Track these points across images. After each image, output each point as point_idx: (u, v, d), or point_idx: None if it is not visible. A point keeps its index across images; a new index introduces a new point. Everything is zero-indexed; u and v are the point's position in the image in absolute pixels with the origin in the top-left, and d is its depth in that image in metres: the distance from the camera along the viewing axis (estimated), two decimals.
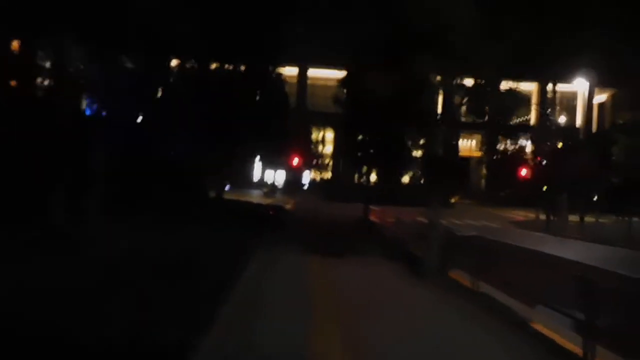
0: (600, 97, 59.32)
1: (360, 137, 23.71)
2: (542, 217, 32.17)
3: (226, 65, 24.28)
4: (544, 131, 48.51)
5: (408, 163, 23.08)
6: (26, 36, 14.51)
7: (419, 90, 14.80)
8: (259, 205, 28.24)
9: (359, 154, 24.29)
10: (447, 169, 14.35)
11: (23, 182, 12.83)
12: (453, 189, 48.68)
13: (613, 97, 58.81)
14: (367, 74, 16.38)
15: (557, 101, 61.07)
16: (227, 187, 46.28)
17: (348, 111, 22.51)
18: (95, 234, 12.00)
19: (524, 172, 42.79)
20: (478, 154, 56.09)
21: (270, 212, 23.27)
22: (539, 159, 44.51)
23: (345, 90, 22.99)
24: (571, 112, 59.35)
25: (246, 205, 26.35)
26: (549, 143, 49.81)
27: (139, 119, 22.82)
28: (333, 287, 10.27)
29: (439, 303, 9.44)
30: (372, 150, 22.77)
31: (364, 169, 26.51)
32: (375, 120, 20.47)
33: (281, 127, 29.21)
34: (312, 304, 8.58)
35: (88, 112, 19.35)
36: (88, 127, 13.92)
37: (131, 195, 16.71)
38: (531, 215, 34.90)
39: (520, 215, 37.69)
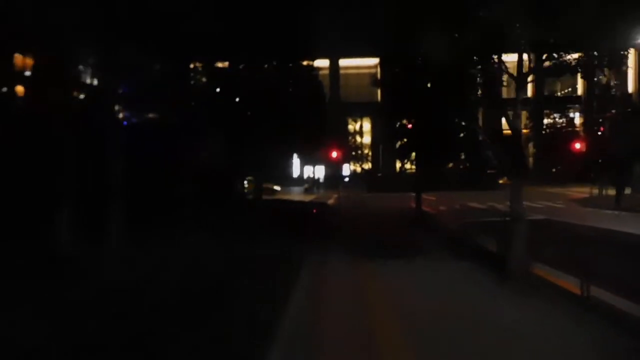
0: None
1: (404, 121, 21.39)
2: (608, 192, 29.09)
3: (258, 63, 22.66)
4: (597, 101, 44.96)
5: (459, 146, 20.74)
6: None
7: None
8: (300, 203, 26.14)
9: (404, 139, 21.92)
10: (516, 148, 11.87)
11: (32, 197, 11.05)
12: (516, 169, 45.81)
13: None
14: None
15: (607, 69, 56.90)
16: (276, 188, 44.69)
17: (390, 95, 20.18)
18: (106, 256, 10.06)
19: (578, 145, 39.41)
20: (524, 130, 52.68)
21: (314, 211, 21.11)
22: (599, 129, 41.07)
23: (383, 72, 20.64)
24: (621, 77, 55.03)
25: (287, 204, 24.27)
26: (602, 113, 46.16)
27: (167, 123, 21.33)
28: (403, 304, 8.01)
29: (550, 321, 7.01)
30: (418, 135, 20.40)
31: (411, 155, 24.00)
32: (423, 101, 18.47)
33: (317, 121, 27.51)
34: (381, 336, 6.35)
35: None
36: (103, 135, 12.00)
37: (159, 205, 14.83)
38: (593, 190, 31.69)
39: (580, 192, 34.45)
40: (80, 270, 8.93)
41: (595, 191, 31.13)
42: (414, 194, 34.22)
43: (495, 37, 9.81)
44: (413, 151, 22.37)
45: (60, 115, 10.45)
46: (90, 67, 11.92)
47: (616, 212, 21.94)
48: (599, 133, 43.70)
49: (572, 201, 28.35)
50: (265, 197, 24.97)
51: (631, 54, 42.97)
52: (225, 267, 9.45)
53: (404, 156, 24.85)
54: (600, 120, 46.26)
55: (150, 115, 23.11)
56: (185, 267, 9.38)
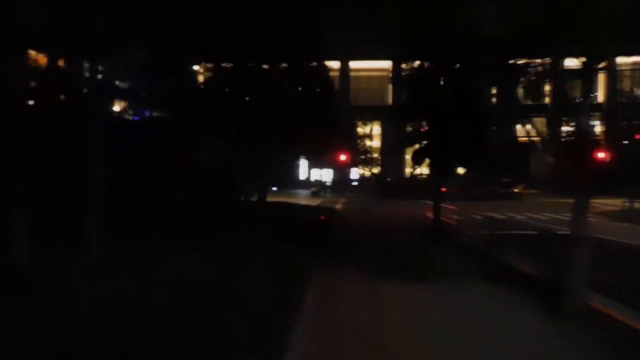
0: None
1: (422, 123, 19.52)
2: (636, 205, 26.98)
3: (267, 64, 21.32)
4: (622, 108, 42.77)
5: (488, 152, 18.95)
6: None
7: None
8: (306, 208, 24.12)
9: (422, 143, 19.95)
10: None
11: None
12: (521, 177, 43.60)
13: None
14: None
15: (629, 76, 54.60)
16: (273, 189, 42.75)
17: (411, 94, 18.31)
18: (68, 272, 8.12)
19: (601, 155, 37.20)
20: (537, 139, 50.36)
21: (322, 218, 19.09)
22: (624, 138, 38.83)
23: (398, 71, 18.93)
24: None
25: (292, 208, 22.26)
26: (625, 122, 43.94)
27: (163, 122, 19.75)
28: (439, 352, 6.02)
29: None
30: (437, 140, 18.50)
31: (426, 160, 21.98)
32: (444, 104, 16.78)
33: (327, 122, 25.88)
34: None
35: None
36: (82, 131, 10.11)
37: (148, 210, 12.93)
38: (618, 203, 29.53)
39: (605, 204, 32.22)
40: (23, 291, 7.00)
41: (626, 204, 28.96)
42: (425, 201, 32.38)
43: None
44: (430, 155, 20.36)
45: (20, 99, 8.56)
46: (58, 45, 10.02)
47: None
48: (625, 142, 41.57)
49: (600, 214, 26.16)
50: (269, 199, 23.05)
51: None
52: (207, 293, 7.49)
53: (419, 161, 22.88)
54: (626, 128, 44.07)
55: (149, 115, 21.65)
56: (161, 288, 7.43)
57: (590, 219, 22.02)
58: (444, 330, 6.76)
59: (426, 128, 19.48)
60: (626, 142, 41.16)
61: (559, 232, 17.97)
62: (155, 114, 20.27)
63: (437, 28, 16.78)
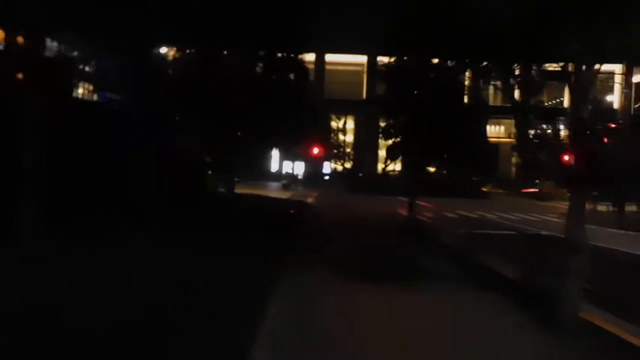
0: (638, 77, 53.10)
1: (399, 118, 18.88)
2: (600, 208, 26.84)
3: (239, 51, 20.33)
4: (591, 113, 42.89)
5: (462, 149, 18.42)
6: None
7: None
8: (276, 200, 23.12)
9: (397, 138, 19.24)
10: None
11: None
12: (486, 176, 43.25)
13: None
14: None
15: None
16: (237, 180, 41.55)
17: (391, 87, 17.59)
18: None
19: (566, 158, 37.26)
20: (505, 140, 50.30)
21: (291, 211, 18.10)
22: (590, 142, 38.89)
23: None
24: (607, 93, 53.14)
25: (261, 201, 21.23)
26: (591, 126, 44.05)
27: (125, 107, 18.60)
28: None
29: None
30: (414, 135, 17.86)
31: (400, 156, 21.21)
32: (424, 98, 16.20)
33: (300, 115, 24.95)
34: None
35: None
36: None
37: (106, 201, 11.75)
38: (589, 206, 29.29)
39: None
40: None
41: (591, 206, 28.79)
42: (397, 197, 31.73)
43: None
44: (406, 150, 19.60)
45: None
46: None
47: (630, 233, 19.48)
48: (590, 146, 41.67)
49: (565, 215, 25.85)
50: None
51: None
52: (156, 294, 6.45)
53: (394, 155, 22.13)
54: (589, 132, 44.22)
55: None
56: (86, 296, 6.33)
57: (559, 220, 21.64)
58: (433, 337, 5.92)
59: (402, 123, 18.80)
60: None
61: (536, 233, 17.48)
62: (117, 97, 19.03)
63: (422, 21, 16.36)
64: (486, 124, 20.18)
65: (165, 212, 12.92)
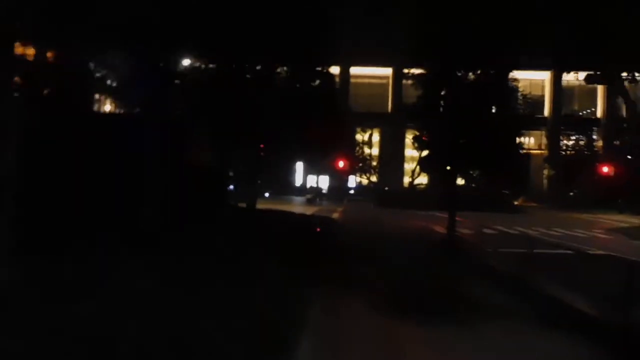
0: None
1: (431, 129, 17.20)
2: None
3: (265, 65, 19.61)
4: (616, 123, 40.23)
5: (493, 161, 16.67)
6: None
7: None
8: (301, 217, 21.32)
9: (431, 149, 17.48)
10: None
11: None
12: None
13: None
14: None
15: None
16: (266, 195, 39.94)
17: (424, 96, 15.96)
18: None
19: (605, 169, 34.76)
20: (535, 151, 47.77)
21: (317, 230, 16.27)
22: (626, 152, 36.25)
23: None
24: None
25: (283, 217, 19.45)
26: (627, 138, 41.40)
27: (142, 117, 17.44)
28: None
29: None
30: (450, 145, 16.14)
31: (435, 168, 19.31)
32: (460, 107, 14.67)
33: (324, 129, 23.59)
34: None
35: None
36: None
37: (112, 218, 10.18)
38: (633, 220, 26.88)
39: (613, 219, 29.60)
40: None
41: (635, 220, 26.35)
42: (427, 212, 29.67)
43: None
44: (440, 162, 17.69)
45: None
46: None
47: None
48: (629, 157, 39.04)
49: (613, 231, 23.47)
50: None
51: None
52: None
53: (427, 168, 20.23)
54: (622, 143, 41.62)
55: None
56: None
57: (604, 235, 19.34)
58: None
59: (435, 132, 17.03)
60: (630, 157, 38.72)
61: (592, 253, 15.34)
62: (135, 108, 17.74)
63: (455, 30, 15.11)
64: (520, 134, 18.18)
65: (176, 229, 11.26)
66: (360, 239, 16.30)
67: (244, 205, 19.67)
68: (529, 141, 51.05)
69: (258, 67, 20.22)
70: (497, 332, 6.60)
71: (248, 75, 20.04)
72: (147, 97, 17.64)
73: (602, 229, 24.51)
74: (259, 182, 37.32)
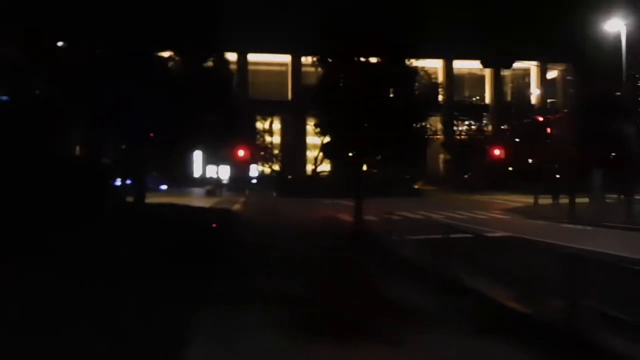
0: (552, 74, 53.38)
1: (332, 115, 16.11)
2: (544, 201, 25.04)
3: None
4: (518, 109, 41.86)
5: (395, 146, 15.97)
6: None
7: None
8: (198, 210, 19.21)
9: (334, 135, 16.37)
10: None
11: None
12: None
13: (563, 73, 52.99)
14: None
15: (510, 79, 54.87)
16: (163, 187, 36.89)
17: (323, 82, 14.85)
18: None
19: (497, 152, 35.76)
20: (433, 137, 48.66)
21: (213, 225, 14.27)
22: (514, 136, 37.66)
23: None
24: (523, 90, 53.02)
25: (176, 212, 17.28)
26: (514, 122, 43.24)
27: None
28: None
29: None
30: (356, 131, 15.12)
31: (335, 155, 18.10)
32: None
33: (222, 117, 22.01)
34: None
35: None
36: None
37: None
38: (527, 200, 27.59)
39: (509, 200, 30.37)
40: None
41: (526, 200, 27.02)
42: (331, 200, 28.55)
43: None
44: (344, 147, 16.50)
45: None
46: None
47: (579, 227, 17.33)
48: (517, 140, 40.69)
49: (510, 211, 23.77)
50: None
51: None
52: None
53: (330, 154, 18.94)
54: (511, 127, 43.52)
55: None
56: None
57: (503, 216, 19.27)
58: None
59: (337, 117, 15.82)
60: (517, 140, 40.43)
61: (497, 236, 14.85)
62: None
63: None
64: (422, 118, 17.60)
65: (33, 239, 8.89)
66: (262, 233, 14.59)
67: (131, 200, 17.23)
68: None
69: (142, 52, 17.95)
70: (421, 340, 5.27)
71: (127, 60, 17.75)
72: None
73: (500, 209, 24.80)
74: (154, 174, 34.47)
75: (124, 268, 7.71)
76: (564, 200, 23.38)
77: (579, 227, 17.29)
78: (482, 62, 27.75)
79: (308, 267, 9.27)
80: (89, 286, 6.84)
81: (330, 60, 15.63)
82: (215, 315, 5.99)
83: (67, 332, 5.17)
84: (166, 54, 18.13)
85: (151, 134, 18.86)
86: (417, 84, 17.01)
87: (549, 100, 51.95)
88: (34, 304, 6.07)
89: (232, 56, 45.06)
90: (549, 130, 32.92)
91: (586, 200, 21.73)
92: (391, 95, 16.33)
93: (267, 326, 5.65)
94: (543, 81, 50.60)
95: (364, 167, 22.72)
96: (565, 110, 35.63)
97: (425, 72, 17.79)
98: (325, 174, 40.66)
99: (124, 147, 19.21)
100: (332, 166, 42.59)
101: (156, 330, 5.36)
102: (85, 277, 7.12)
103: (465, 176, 43.28)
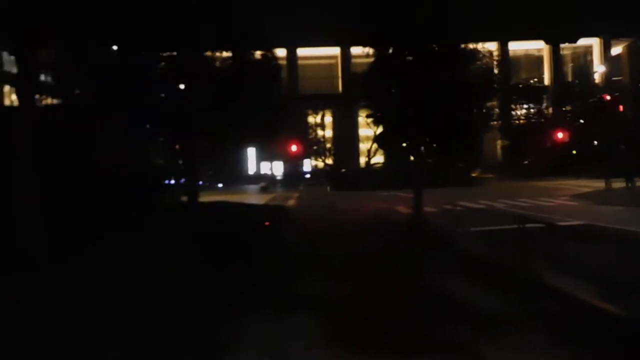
0: (617, 49, 49.77)
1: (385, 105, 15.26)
2: (616, 185, 23.13)
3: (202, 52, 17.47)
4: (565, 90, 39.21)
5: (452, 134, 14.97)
6: None
7: None
8: (250, 208, 18.79)
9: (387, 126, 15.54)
10: None
11: None
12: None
13: (629, 48, 49.24)
14: None
15: (570, 58, 51.65)
16: (219, 186, 37.03)
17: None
18: None
19: (560, 135, 33.57)
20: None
21: (266, 224, 13.73)
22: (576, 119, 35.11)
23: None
24: (586, 68, 49.70)
25: (229, 211, 16.89)
26: (577, 103, 40.51)
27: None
28: None
29: None
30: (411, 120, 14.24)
31: (391, 144, 17.20)
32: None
33: (273, 114, 21.54)
34: None
35: None
36: None
37: None
38: (595, 184, 25.63)
39: (575, 185, 28.34)
40: None
41: (596, 185, 25.04)
42: (387, 192, 27.62)
43: None
44: (399, 137, 15.60)
45: None
46: None
47: None
48: (581, 122, 38.13)
49: (579, 197, 22.01)
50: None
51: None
52: None
53: (384, 144, 18.06)
54: (576, 109, 40.80)
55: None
56: None
57: (572, 202, 17.70)
58: None
59: (390, 107, 14.98)
60: (582, 121, 37.84)
61: (570, 224, 13.56)
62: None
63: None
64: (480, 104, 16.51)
65: (86, 242, 8.62)
66: (316, 230, 13.92)
67: (184, 200, 17.04)
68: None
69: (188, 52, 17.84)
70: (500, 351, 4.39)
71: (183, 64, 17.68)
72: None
73: (566, 195, 23.07)
74: (210, 172, 34.60)
75: (164, 271, 7.22)
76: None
77: None
78: (544, 39, 25.85)
79: (365, 268, 8.49)
80: (117, 291, 6.38)
81: (379, 47, 14.79)
82: (261, 325, 5.34)
83: (94, 347, 4.66)
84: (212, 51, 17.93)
85: (201, 132, 18.68)
86: (472, 67, 15.93)
87: (613, 79, 48.48)
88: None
89: (281, 52, 44.93)
90: (621, 108, 30.40)
91: None
92: (445, 81, 15.32)
93: (315, 337, 4.95)
94: (607, 58, 47.20)
95: (419, 157, 21.71)
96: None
97: (484, 53, 16.67)
98: (379, 165, 39.62)
99: (177, 146, 19.14)
100: (386, 158, 41.52)
101: (194, 341, 4.77)
102: (118, 282, 6.67)
103: (525, 162, 40.95)
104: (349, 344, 4.83)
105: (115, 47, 16.30)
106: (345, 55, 48.31)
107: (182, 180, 21.39)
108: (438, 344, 4.85)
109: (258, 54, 18.51)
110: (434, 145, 16.09)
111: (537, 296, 6.21)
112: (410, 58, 14.61)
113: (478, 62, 16.63)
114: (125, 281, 6.77)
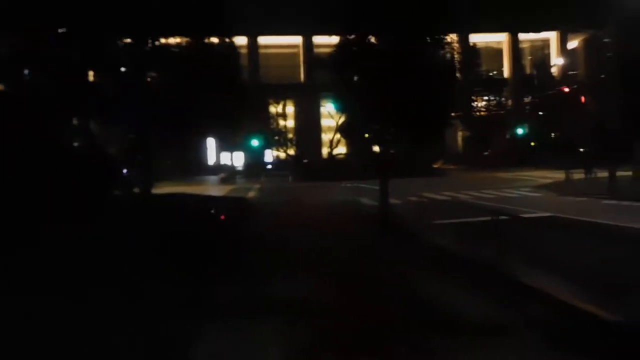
0: (573, 43, 50.72)
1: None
2: (576, 176, 23.29)
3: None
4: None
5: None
6: None
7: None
8: (208, 200, 17.84)
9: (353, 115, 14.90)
10: None
11: None
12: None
13: (585, 42, 50.24)
14: None
15: (529, 51, 52.30)
16: (176, 176, 35.63)
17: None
18: None
19: (520, 126, 33.78)
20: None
21: (222, 218, 12.82)
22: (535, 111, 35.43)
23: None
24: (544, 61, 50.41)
25: (184, 202, 15.92)
26: (536, 95, 40.98)
27: None
28: None
29: None
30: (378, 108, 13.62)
31: (356, 135, 16.58)
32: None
33: (233, 101, 20.49)
34: None
35: None
36: None
37: None
38: (555, 175, 25.81)
39: (535, 176, 28.51)
40: None
41: (556, 176, 25.16)
42: (351, 183, 27.07)
43: None
44: (364, 126, 14.98)
45: None
46: None
47: (624, 203, 15.61)
48: (540, 113, 38.56)
49: (541, 188, 22.02)
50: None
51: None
52: None
53: (348, 135, 17.41)
54: (536, 101, 41.29)
55: None
56: None
57: (535, 194, 17.56)
58: None
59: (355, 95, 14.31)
60: (541, 113, 38.30)
61: (534, 216, 13.29)
62: None
63: None
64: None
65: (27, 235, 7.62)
66: (279, 224, 13.15)
67: (137, 190, 15.96)
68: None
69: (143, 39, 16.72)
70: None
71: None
72: None
73: (528, 186, 23.07)
74: (168, 162, 33.22)
75: (109, 270, 6.34)
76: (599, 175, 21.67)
77: (625, 203, 15.55)
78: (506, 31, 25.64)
79: (332, 265, 7.80)
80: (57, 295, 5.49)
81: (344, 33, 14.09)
82: (219, 333, 4.58)
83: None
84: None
85: (156, 122, 17.60)
86: (437, 55, 15.42)
87: (569, 72, 49.39)
88: None
89: (242, 40, 43.60)
90: (583, 99, 30.73)
91: (624, 174, 19.95)
92: (412, 68, 14.76)
93: (282, 344, 4.23)
94: (564, 52, 48.02)
95: (384, 147, 21.14)
96: (602, 77, 33.18)
97: (448, 42, 16.20)
98: (341, 156, 39.11)
99: (132, 135, 18.03)
100: (348, 148, 41.01)
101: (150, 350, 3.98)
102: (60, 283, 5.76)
103: (486, 153, 41.24)
104: (313, 350, 4.12)
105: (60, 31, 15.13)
106: (308, 44, 47.44)
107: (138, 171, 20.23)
108: (413, 350, 4.21)
109: (217, 41, 17.59)
110: (401, 134, 15.57)
111: (510, 293, 5.70)
112: (375, 42, 13.97)
113: (442, 51, 16.16)
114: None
